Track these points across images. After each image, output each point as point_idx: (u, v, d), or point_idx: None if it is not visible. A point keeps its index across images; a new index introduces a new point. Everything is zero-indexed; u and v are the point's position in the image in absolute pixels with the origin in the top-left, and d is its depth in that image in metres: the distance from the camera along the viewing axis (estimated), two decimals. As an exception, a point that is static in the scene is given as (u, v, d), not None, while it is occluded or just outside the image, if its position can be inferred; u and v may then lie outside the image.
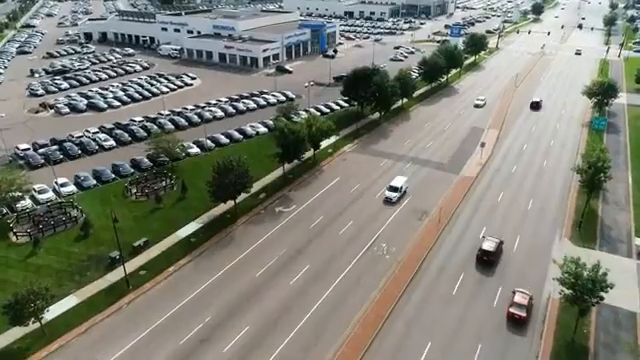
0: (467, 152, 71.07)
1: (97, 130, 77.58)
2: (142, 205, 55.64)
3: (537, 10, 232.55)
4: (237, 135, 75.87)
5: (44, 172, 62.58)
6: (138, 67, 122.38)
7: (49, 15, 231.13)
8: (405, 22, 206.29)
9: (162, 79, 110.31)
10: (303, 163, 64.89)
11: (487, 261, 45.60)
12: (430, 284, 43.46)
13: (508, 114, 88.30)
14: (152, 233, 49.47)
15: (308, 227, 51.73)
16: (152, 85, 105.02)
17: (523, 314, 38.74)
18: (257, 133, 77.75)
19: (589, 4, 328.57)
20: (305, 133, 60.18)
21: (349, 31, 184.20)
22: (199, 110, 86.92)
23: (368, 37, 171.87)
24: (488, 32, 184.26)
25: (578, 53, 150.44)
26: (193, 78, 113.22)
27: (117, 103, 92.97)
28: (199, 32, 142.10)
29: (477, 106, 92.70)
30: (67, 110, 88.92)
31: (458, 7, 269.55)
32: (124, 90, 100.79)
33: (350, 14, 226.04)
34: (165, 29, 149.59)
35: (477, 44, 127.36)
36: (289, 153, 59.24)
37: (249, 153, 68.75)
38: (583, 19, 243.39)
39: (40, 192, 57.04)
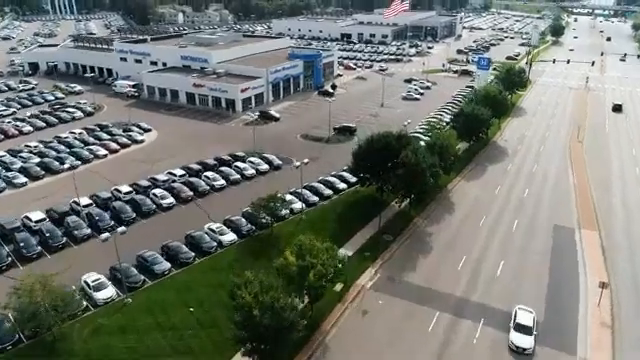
0: (569, 290, 42.29)
1: (-40, 243, 48.35)
2: None
3: (557, 32, 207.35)
4: (186, 253, 46.63)
5: None
6: (79, 113, 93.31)
7: (5, 38, 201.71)
8: (411, 45, 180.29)
9: (103, 133, 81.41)
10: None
11: None
12: None
13: (595, 198, 60.08)
14: None
15: None
16: (85, 144, 76.04)
17: None
18: (220, 244, 48.78)
19: (600, 23, 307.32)
20: (296, 308, 31.13)
21: (348, 58, 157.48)
22: (137, 196, 57.77)
23: (371, 66, 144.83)
24: (509, 59, 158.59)
25: (623, 60, 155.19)
26: (147, 130, 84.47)
27: (22, 180, 63.60)
28: (164, 64, 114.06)
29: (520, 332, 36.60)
30: (-59, 194, 59.82)
31: (465, 27, 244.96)
32: (41, 155, 71.56)
33: (347, 37, 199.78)
34: (124, 59, 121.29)
35: (515, 80, 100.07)
36: (264, 343, 30.13)
37: (196, 301, 40.06)
38: (608, 39, 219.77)
39: None
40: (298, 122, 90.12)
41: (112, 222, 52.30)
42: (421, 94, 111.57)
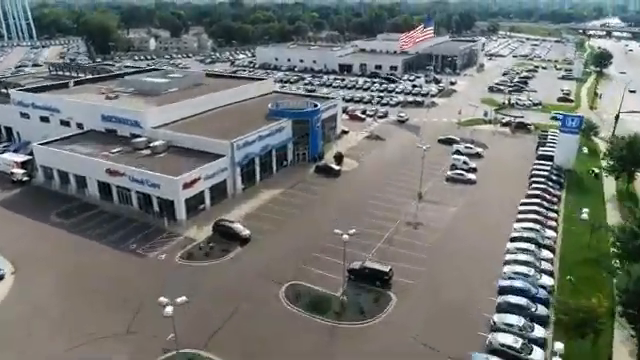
0: None
1: None
2: None
3: (601, 62, 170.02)
4: None
5: None
6: None
7: None
8: (428, 80, 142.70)
9: None
10: None
11: None
12: None
13: None
14: None
15: None
16: None
17: None
18: None
19: (627, 46, 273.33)
20: None
21: (352, 100, 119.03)
22: None
23: (386, 114, 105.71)
24: (561, 100, 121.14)
25: None
26: (-9, 281, 43.92)
27: None
28: (80, 125, 74.04)
29: None
30: None
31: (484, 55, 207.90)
32: None
33: (347, 69, 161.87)
34: (26, 115, 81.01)
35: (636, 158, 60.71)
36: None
37: None
38: None
39: None
40: (282, 245, 50.12)
41: None
42: (474, 170, 72.26)
